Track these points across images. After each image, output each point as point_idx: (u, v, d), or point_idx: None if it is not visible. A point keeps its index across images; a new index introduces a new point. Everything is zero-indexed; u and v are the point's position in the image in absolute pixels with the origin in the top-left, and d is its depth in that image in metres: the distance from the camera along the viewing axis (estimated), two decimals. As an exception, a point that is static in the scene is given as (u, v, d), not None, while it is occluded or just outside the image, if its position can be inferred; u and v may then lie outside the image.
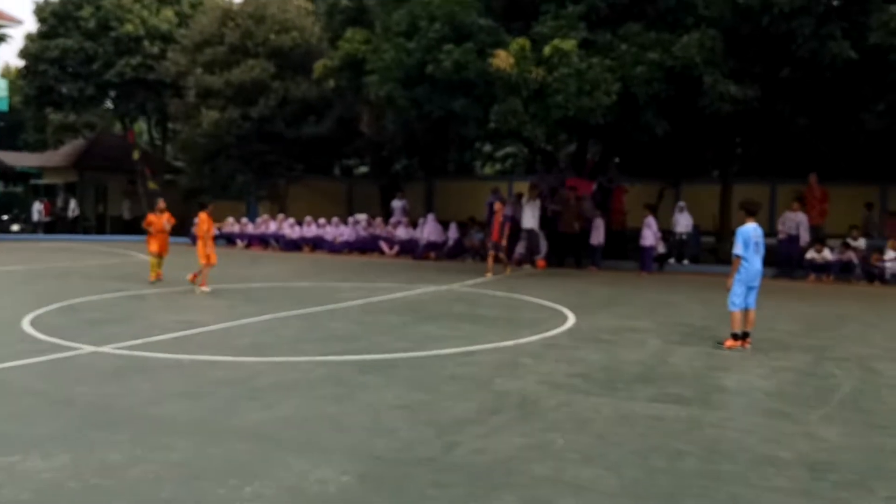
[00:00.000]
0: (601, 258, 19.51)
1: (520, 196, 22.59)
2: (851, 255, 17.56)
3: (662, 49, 16.42)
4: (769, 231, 15.02)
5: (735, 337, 8.80)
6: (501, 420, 5.77)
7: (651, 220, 19.04)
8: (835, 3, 15.76)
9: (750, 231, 8.70)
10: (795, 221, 18.46)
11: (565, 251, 19.96)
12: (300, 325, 9.96)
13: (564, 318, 10.80)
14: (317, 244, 24.10)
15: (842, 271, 17.45)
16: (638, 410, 6.09)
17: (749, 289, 8.76)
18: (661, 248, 19.41)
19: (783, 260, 18.69)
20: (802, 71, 17.09)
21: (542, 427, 5.61)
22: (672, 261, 19.73)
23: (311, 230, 24.47)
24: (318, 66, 21.88)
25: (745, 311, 8.78)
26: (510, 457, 4.94)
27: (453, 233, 21.95)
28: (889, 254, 17.07)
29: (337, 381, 6.88)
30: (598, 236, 19.47)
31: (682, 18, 17.04)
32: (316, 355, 7.96)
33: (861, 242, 18.10)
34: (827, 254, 17.65)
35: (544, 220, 19.96)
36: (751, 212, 8.93)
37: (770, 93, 17.56)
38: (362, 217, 24.33)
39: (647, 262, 18.73)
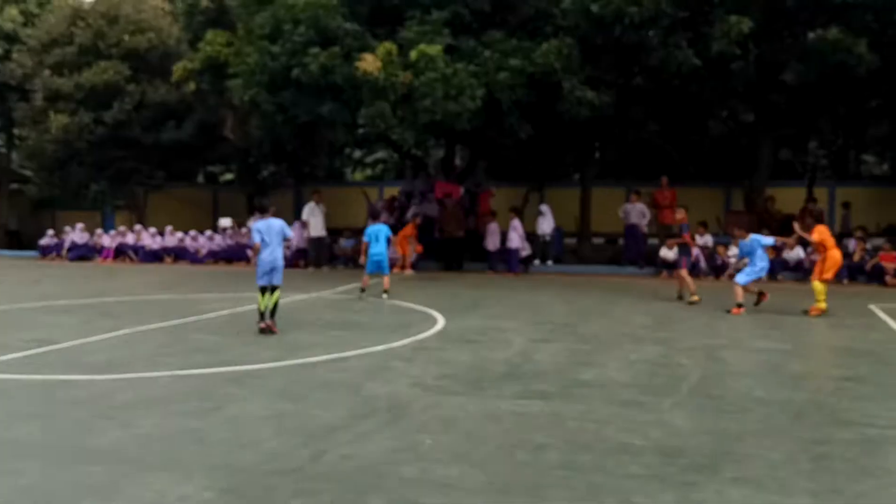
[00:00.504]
0: (517, 262, 19.49)
1: (392, 199, 22.70)
2: (698, 253, 18.74)
3: (524, 56, 16.96)
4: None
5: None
6: (371, 425, 5.77)
7: (517, 223, 19.59)
8: (680, 14, 16.80)
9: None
10: (636, 211, 20.05)
11: (450, 256, 20.21)
12: (161, 338, 9.56)
13: (434, 321, 10.92)
14: (179, 255, 23.18)
15: (691, 267, 18.56)
16: (503, 407, 6.25)
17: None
18: (527, 250, 19.99)
19: (630, 252, 19.89)
20: (653, 79, 18.13)
21: (410, 429, 5.66)
22: (537, 262, 20.36)
23: (173, 240, 23.52)
24: (178, 68, 21.09)
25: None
26: (379, 460, 4.95)
27: (325, 239, 21.70)
28: (733, 249, 18.34)
29: (200, 395, 6.65)
30: (494, 241, 19.76)
31: (541, 27, 17.69)
32: (178, 369, 7.66)
33: (707, 239, 19.36)
34: (677, 251, 18.71)
35: (423, 226, 20.23)
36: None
37: (624, 99, 18.51)
38: (227, 222, 23.53)
39: (513, 263, 19.25)
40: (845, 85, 17.71)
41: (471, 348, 8.89)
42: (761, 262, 12.29)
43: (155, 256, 23.27)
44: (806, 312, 11.79)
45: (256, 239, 9.91)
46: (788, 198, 22.32)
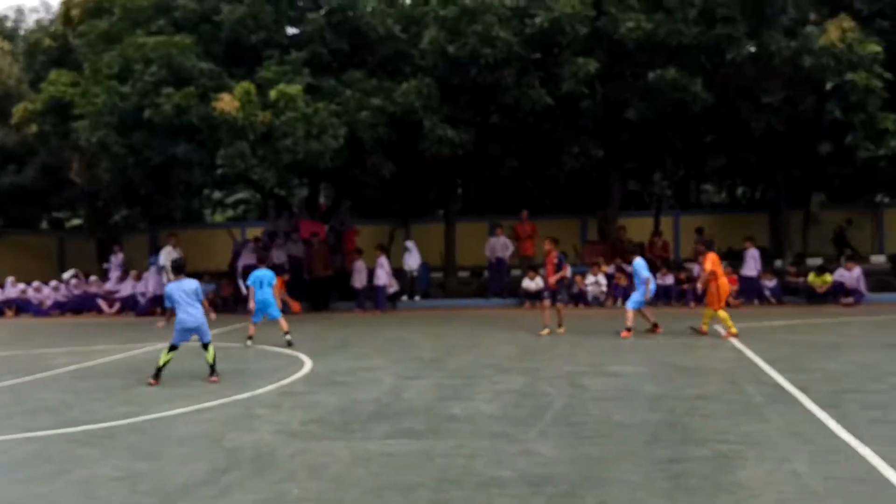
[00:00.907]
0: (384, 300, 19.32)
1: (256, 240, 22.15)
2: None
3: (384, 95, 17.17)
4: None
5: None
6: (233, 478, 5.53)
7: (384, 261, 19.60)
8: (532, 56, 17.57)
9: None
10: (501, 244, 20.60)
11: (318, 296, 19.84)
12: (3, 398, 8.81)
13: (301, 364, 10.69)
14: (21, 307, 21.54)
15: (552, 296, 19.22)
16: (372, 449, 6.17)
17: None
18: (394, 287, 20.02)
19: (495, 285, 20.41)
20: (509, 117, 18.80)
21: (276, 479, 5.47)
22: (405, 298, 20.43)
23: (14, 291, 21.84)
24: (18, 109, 19.86)
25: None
26: (242, 516, 4.75)
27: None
28: (590, 278, 19.16)
29: (46, 459, 6.16)
30: (360, 279, 19.53)
31: (400, 67, 18.01)
32: (21, 432, 7.07)
33: (567, 270, 20.09)
34: (539, 281, 19.35)
35: (290, 267, 19.81)
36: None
37: (482, 136, 19.06)
38: (70, 273, 22.10)
39: (380, 301, 19.21)
40: (683, 121, 19.06)
41: (339, 390, 8.75)
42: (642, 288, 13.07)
43: (-6, 310, 21.50)
44: (718, 337, 12.42)
45: (169, 304, 9.78)
46: (638, 226, 23.65)
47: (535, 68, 17.48)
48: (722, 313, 12.49)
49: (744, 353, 10.67)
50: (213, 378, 9.52)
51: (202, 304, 9.70)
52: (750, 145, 20.59)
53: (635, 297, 13.14)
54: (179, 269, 10.01)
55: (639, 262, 13.39)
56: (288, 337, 12.54)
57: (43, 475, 5.71)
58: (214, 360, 9.68)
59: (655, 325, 13.14)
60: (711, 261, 12.76)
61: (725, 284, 12.96)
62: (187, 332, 9.59)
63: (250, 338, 12.93)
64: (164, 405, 8.10)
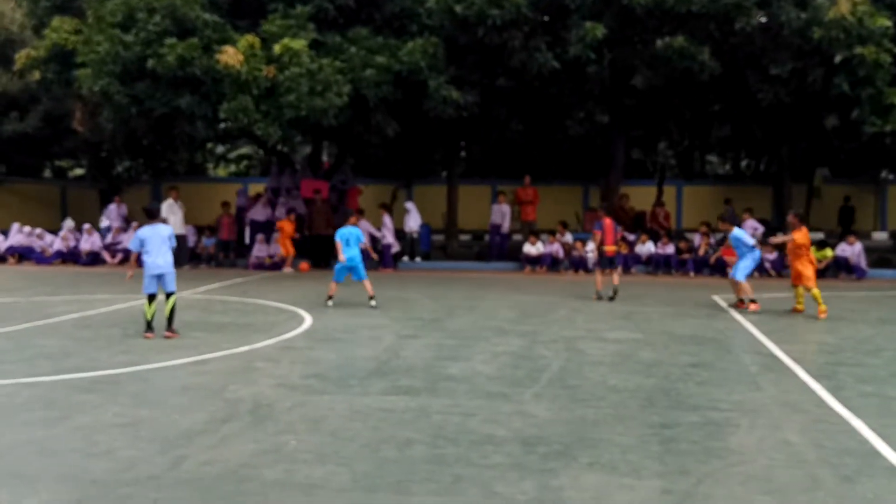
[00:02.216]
0: (390, 258, 19.42)
1: (257, 196, 22.13)
2: (559, 248, 19.49)
3: (390, 53, 17.01)
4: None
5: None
6: (233, 428, 5.62)
7: (387, 220, 19.64)
8: (540, 18, 17.37)
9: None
10: (501, 212, 20.75)
11: (318, 254, 19.87)
12: (2, 344, 8.88)
13: (301, 320, 10.77)
14: (24, 254, 21.60)
15: (552, 263, 19.31)
16: (370, 405, 6.26)
17: None
18: (396, 247, 20.07)
19: (495, 249, 20.51)
20: (515, 80, 18.63)
21: (275, 431, 5.55)
22: (405, 259, 20.48)
23: (17, 239, 21.86)
24: (21, 56, 19.63)
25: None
26: (241, 464, 4.83)
27: (191, 237, 20.83)
28: (590, 245, 19.17)
29: (47, 404, 6.24)
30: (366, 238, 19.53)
31: (406, 25, 17.80)
32: (22, 377, 7.16)
33: (567, 236, 20.14)
34: (540, 246, 19.41)
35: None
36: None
37: (488, 99, 18.93)
38: (67, 226, 22.06)
39: (387, 259, 19.28)
40: (690, 90, 18.91)
41: (338, 346, 8.83)
42: (750, 256, 12.10)
43: (-5, 257, 21.56)
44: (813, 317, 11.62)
45: (135, 247, 9.45)
46: (641, 195, 23.62)
47: (542, 31, 17.29)
48: (816, 293, 11.56)
49: (741, 324, 10.75)
50: (169, 333, 9.29)
51: (172, 251, 9.48)
52: (756, 116, 20.48)
53: (742, 265, 12.08)
54: (153, 214, 9.72)
55: (739, 232, 12.39)
56: (373, 302, 12.06)
57: (43, 420, 5.79)
58: (173, 312, 9.41)
59: (741, 301, 12.23)
60: (804, 234, 11.89)
61: (813, 261, 12.08)
62: (154, 277, 9.33)
63: (330, 297, 12.30)
64: (164, 355, 8.19)
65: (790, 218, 12.43)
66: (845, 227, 23.26)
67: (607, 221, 13.47)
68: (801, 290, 11.91)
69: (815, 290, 11.56)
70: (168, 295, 9.47)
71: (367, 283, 12.17)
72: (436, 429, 5.61)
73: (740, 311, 11.93)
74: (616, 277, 13.50)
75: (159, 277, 9.39)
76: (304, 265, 19.18)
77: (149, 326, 9.33)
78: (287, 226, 19.33)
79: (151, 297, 9.35)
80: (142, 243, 9.35)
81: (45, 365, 7.74)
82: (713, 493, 4.41)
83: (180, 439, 5.33)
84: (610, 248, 13.49)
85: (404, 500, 4.29)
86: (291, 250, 19.20)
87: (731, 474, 4.73)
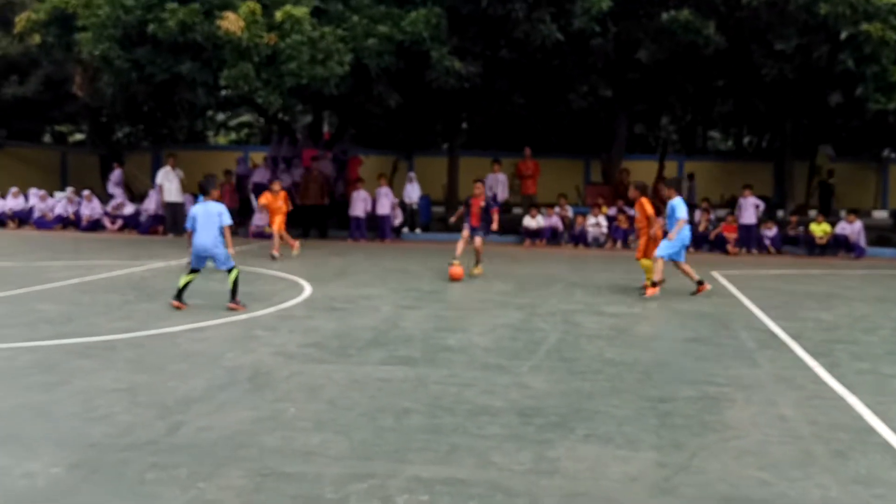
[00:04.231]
0: (389, 229, 19.44)
1: (255, 166, 22.08)
2: (559, 222, 19.48)
3: (392, 23, 16.84)
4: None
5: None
6: (231, 395, 5.65)
7: (387, 190, 19.59)
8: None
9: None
10: (496, 180, 20.59)
11: (310, 224, 19.83)
12: (2, 308, 8.90)
13: (301, 289, 10.78)
14: (24, 219, 21.58)
15: (552, 236, 19.31)
16: (369, 374, 6.29)
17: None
18: (399, 218, 20.06)
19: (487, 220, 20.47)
20: (518, 51, 18.48)
21: (273, 398, 5.58)
22: (406, 230, 20.48)
23: (16, 203, 21.83)
24: (21, 19, 19.44)
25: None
26: (239, 431, 4.86)
27: (190, 205, 20.78)
28: (590, 219, 19.17)
29: (46, 368, 6.27)
30: (360, 208, 19.44)
31: (409, -6, 17.60)
32: (21, 341, 7.18)
33: (568, 210, 20.12)
34: (540, 220, 19.40)
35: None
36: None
37: (490, 70, 18.78)
38: (67, 192, 22.00)
39: (385, 230, 19.28)
40: (694, 64, 18.77)
41: (337, 316, 8.85)
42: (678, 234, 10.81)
43: (-6, 221, 21.55)
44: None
45: (189, 225, 9.21)
46: (642, 170, 23.53)
47: (546, 3, 17.07)
48: (646, 262, 11.15)
49: (739, 300, 10.77)
50: (232, 305, 9.10)
51: (222, 231, 9.14)
52: (760, 92, 20.36)
53: (667, 242, 10.79)
54: (204, 189, 9.44)
55: (679, 203, 10.91)
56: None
57: (42, 384, 5.82)
58: (234, 286, 9.17)
59: (701, 283, 11.10)
60: (648, 205, 11.29)
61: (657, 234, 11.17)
62: (200, 257, 9.20)
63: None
64: (163, 322, 8.21)
65: (632, 191, 11.55)
66: (824, 204, 23.22)
67: (476, 200, 12.64)
68: (646, 262, 11.11)
69: (646, 262, 11.06)
70: (229, 270, 9.23)
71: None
72: (433, 399, 5.64)
73: (643, 294, 10.86)
74: (478, 244, 12.60)
75: (204, 257, 9.20)
76: (294, 244, 15.20)
77: (178, 295, 9.08)
78: (274, 202, 15.09)
79: (193, 271, 9.24)
80: (193, 220, 9.15)
81: (45, 329, 7.76)
82: (707, 467, 4.44)
83: (178, 405, 5.36)
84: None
85: (401, 468, 4.32)
86: (287, 240, 15.25)
87: (725, 448, 4.76)
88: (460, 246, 12.61)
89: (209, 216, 9.11)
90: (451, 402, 5.56)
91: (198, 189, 9.47)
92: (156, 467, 4.24)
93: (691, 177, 23.26)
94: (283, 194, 15.32)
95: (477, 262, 12.84)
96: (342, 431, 4.90)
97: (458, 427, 5.03)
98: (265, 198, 15.33)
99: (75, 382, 5.87)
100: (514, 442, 4.78)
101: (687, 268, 11.09)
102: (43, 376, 6.03)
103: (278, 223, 14.88)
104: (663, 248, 10.73)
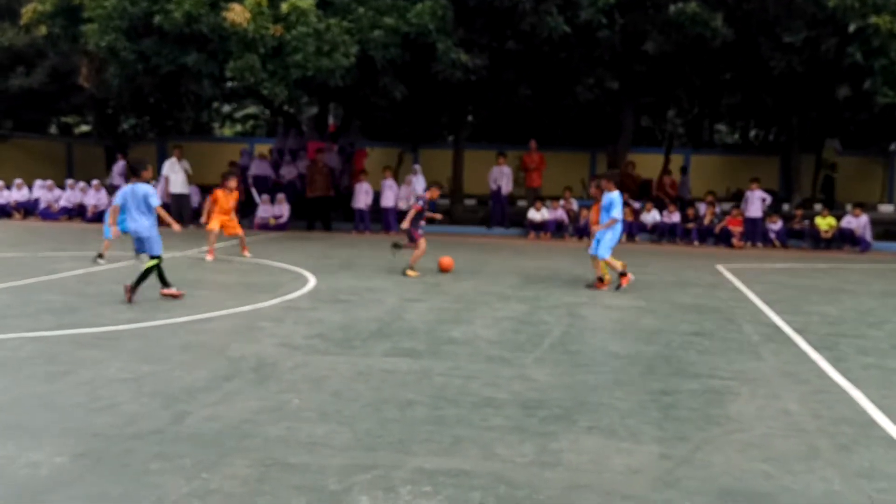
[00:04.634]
0: (395, 221, 19.26)
1: (263, 155, 22.10)
2: (563, 214, 19.46)
3: (398, 15, 16.80)
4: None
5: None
6: (236, 385, 5.66)
7: (392, 182, 19.59)
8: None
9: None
10: (501, 172, 20.47)
11: (315, 216, 19.85)
12: (6, 299, 8.93)
13: (305, 281, 10.80)
14: (29, 209, 21.64)
15: (557, 229, 19.30)
16: (373, 366, 6.30)
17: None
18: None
19: (496, 216, 20.43)
20: (525, 43, 18.42)
21: (277, 389, 5.60)
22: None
23: (21, 194, 21.89)
24: (28, 10, 19.46)
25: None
26: (244, 421, 4.88)
27: (196, 196, 20.81)
28: (597, 213, 19.11)
29: (50, 358, 6.29)
30: (364, 200, 19.44)
31: (415, -15, 17.53)
32: (25, 331, 7.21)
33: (573, 203, 20.10)
34: (545, 212, 19.37)
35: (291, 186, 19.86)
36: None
37: (497, 63, 18.73)
38: (76, 183, 22.02)
39: (390, 222, 19.28)
40: (701, 57, 18.68)
41: (341, 307, 8.86)
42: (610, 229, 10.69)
43: (1, 212, 21.60)
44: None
45: (117, 201, 9.15)
46: (648, 163, 23.49)
47: (554, -6, 17.04)
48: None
49: (744, 294, 10.75)
50: (127, 290, 8.74)
51: (155, 213, 8.86)
52: (767, 85, 20.24)
53: (606, 239, 10.67)
54: (135, 171, 9.04)
55: (617, 197, 10.72)
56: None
57: (47, 374, 5.84)
58: (144, 276, 8.81)
59: (599, 280, 10.93)
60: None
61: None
62: (138, 240, 8.95)
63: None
64: (168, 313, 8.23)
65: (596, 184, 11.35)
66: (827, 198, 23.15)
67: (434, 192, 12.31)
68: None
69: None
70: (151, 258, 8.97)
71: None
72: (437, 390, 5.65)
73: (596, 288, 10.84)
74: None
75: (137, 241, 8.94)
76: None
77: (150, 284, 8.98)
78: (224, 197, 13.50)
79: (153, 257, 9.00)
80: (123, 201, 8.97)
81: (49, 320, 7.79)
82: (711, 460, 4.44)
83: (183, 395, 5.38)
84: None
85: (405, 459, 4.33)
86: (216, 227, 13.40)
87: (729, 441, 4.76)
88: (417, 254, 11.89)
89: (136, 199, 8.84)
90: (454, 394, 5.56)
91: (130, 170, 9.13)
92: (160, 457, 4.26)
93: (684, 171, 23.15)
94: (235, 195, 13.70)
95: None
96: (346, 422, 4.91)
97: (461, 419, 5.04)
98: (218, 193, 13.49)
99: (80, 372, 5.90)
100: (518, 434, 4.79)
101: (608, 262, 10.79)
102: (47, 366, 6.05)
103: (218, 222, 13.32)
104: (605, 248, 10.64)
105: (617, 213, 10.57)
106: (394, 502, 3.78)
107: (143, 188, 8.90)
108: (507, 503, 3.80)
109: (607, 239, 10.66)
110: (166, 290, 9.13)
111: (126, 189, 9.05)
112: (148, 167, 9.16)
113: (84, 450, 4.34)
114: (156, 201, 8.97)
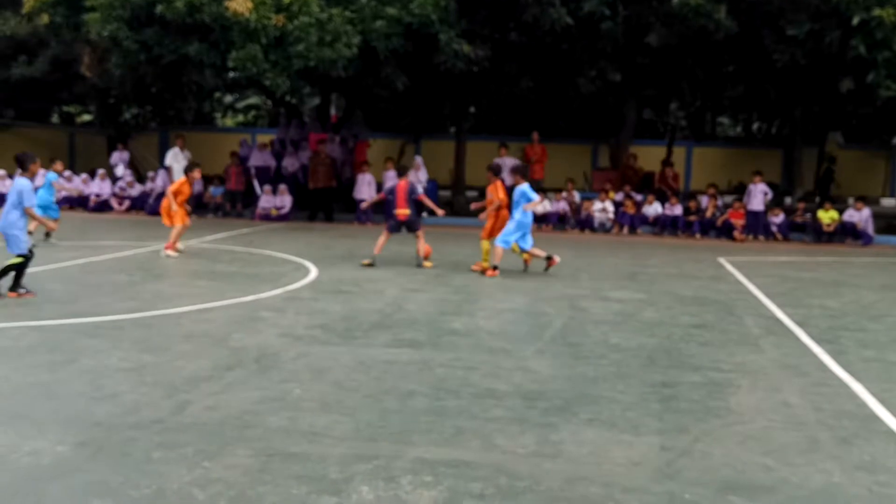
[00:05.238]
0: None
1: (263, 147, 22.07)
2: (565, 206, 19.43)
3: (401, 5, 16.74)
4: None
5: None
6: (237, 375, 5.67)
7: (394, 174, 19.53)
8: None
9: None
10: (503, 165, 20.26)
11: (317, 207, 19.82)
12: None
13: (307, 272, 10.80)
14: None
15: (559, 221, 19.28)
16: (374, 356, 6.31)
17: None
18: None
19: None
20: (527, 35, 18.35)
21: (279, 379, 5.61)
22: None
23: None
24: (30, -1, 19.44)
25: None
26: (245, 411, 4.89)
27: (197, 186, 20.77)
28: (597, 205, 19.13)
29: (52, 347, 6.31)
30: (366, 192, 19.42)
31: (418, -24, 17.46)
32: (27, 320, 7.22)
33: (575, 195, 20.06)
34: (547, 204, 19.35)
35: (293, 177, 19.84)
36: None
37: (499, 54, 18.67)
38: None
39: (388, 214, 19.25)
40: (704, 49, 18.61)
41: (343, 298, 8.87)
42: (516, 220, 10.98)
43: (3, 201, 21.59)
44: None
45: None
46: (650, 155, 23.43)
47: (557, -15, 16.98)
48: (486, 244, 11.47)
49: (745, 286, 10.75)
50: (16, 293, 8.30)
51: (26, 211, 8.31)
52: (770, 78, 20.16)
53: (508, 229, 10.99)
54: (22, 164, 8.44)
55: (527, 189, 11.11)
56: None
57: (49, 363, 5.86)
58: (3, 272, 8.28)
59: (494, 268, 11.05)
60: (502, 189, 11.48)
61: (505, 218, 11.32)
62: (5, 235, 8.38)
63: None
64: (170, 303, 8.25)
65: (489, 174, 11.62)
66: (823, 191, 23.06)
67: (400, 184, 11.96)
68: (486, 245, 11.47)
69: (487, 244, 11.49)
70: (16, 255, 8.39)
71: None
72: (438, 381, 5.66)
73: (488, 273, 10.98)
74: (420, 245, 11.78)
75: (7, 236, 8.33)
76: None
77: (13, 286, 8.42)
78: (188, 189, 13.04)
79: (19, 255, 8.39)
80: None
81: (51, 309, 7.80)
82: (711, 452, 4.45)
83: (184, 385, 5.40)
84: (401, 213, 11.84)
85: (406, 449, 4.35)
86: (179, 221, 12.41)
87: (729, 434, 4.77)
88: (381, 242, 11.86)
89: (11, 193, 8.34)
90: (455, 385, 5.57)
91: (17, 163, 8.59)
92: (162, 446, 4.27)
93: (668, 162, 23.00)
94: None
95: (426, 257, 11.83)
96: (347, 413, 4.93)
97: (462, 410, 5.05)
98: (179, 184, 12.88)
99: (82, 362, 5.91)
100: (518, 425, 4.80)
101: (535, 251, 11.26)
102: (49, 355, 6.07)
103: (179, 216, 12.40)
104: (502, 237, 10.96)
105: (520, 215, 10.93)
106: (394, 492, 3.79)
107: (21, 183, 8.32)
108: (508, 494, 3.82)
109: (509, 231, 10.95)
110: (14, 293, 8.37)
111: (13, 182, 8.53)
112: (36, 161, 8.57)
113: (86, 439, 4.36)
114: (28, 201, 8.32)
